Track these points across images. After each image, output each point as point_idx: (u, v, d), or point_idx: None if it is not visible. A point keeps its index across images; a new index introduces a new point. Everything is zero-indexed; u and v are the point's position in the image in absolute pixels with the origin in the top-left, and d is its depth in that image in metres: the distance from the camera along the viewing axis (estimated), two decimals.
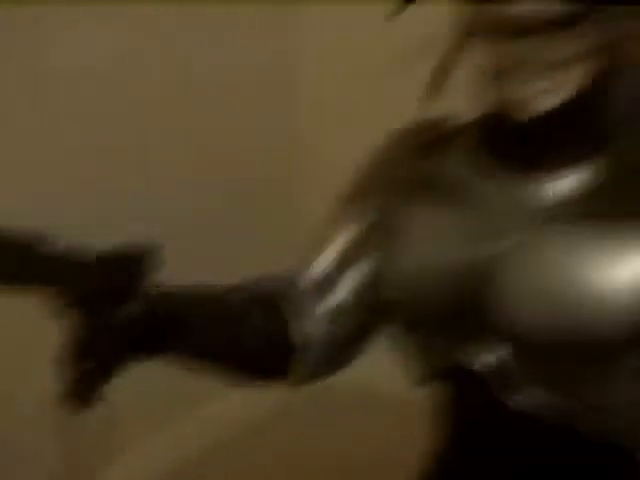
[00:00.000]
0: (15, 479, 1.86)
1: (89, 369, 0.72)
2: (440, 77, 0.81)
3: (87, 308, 0.72)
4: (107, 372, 0.74)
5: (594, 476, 0.80)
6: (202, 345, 0.85)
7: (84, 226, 1.51)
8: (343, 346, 0.89)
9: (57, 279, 0.70)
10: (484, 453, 0.85)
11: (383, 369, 1.67)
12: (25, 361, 1.75)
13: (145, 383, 1.78)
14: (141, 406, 2.08)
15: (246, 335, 0.86)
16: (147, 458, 2.26)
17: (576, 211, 0.74)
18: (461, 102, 0.81)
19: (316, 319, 0.88)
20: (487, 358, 0.78)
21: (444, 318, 0.80)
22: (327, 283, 0.89)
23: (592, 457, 0.79)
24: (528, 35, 0.70)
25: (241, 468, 2.27)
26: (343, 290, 0.88)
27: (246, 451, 2.33)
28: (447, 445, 0.90)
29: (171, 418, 2.34)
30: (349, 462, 2.17)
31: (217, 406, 2.42)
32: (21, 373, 1.77)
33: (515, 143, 0.78)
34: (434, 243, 0.82)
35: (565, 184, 0.75)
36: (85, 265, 0.71)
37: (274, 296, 0.90)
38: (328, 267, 0.89)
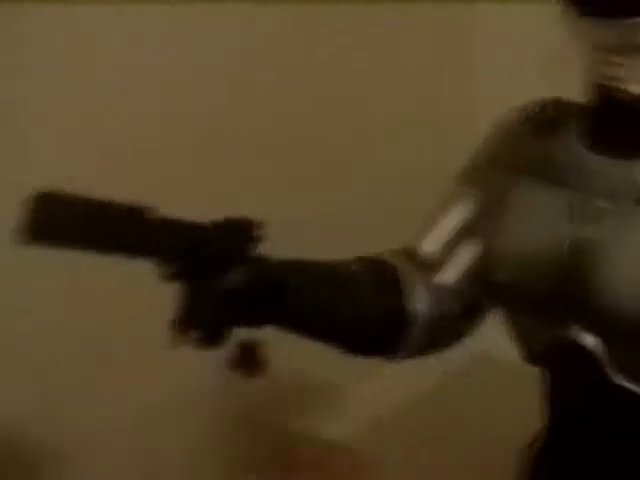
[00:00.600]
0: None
1: (197, 337, 0.71)
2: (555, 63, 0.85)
3: (194, 274, 0.70)
4: (214, 339, 0.72)
5: None
6: (311, 312, 0.82)
7: None
8: (449, 324, 0.89)
9: (164, 246, 0.68)
10: (584, 434, 0.86)
11: None
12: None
13: (307, 359, 1.80)
14: (300, 381, 2.12)
15: (358, 303, 0.84)
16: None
17: None
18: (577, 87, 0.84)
19: (425, 295, 0.87)
20: (587, 339, 0.79)
21: (545, 298, 0.81)
22: (437, 262, 0.89)
23: None
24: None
25: (395, 442, 2.28)
26: (452, 270, 0.89)
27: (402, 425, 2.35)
28: (549, 427, 0.91)
29: (329, 395, 2.37)
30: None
31: (373, 385, 2.43)
32: None
33: (622, 126, 0.78)
34: (538, 223, 0.83)
35: None
36: (192, 232, 0.70)
37: (388, 267, 0.88)
38: (440, 246, 0.90)
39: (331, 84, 2.18)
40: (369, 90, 2.29)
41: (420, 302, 0.86)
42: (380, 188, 2.29)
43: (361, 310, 0.84)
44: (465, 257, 0.89)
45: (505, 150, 0.90)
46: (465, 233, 0.90)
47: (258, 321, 0.77)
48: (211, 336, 0.71)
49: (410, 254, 0.91)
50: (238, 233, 0.72)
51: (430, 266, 0.89)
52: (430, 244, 0.90)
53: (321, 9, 2.12)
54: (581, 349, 0.79)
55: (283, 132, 2.01)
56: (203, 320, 0.71)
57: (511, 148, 0.90)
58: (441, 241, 0.90)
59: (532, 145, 0.87)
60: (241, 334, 0.76)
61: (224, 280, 0.70)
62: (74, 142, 1.61)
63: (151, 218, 0.67)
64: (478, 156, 0.94)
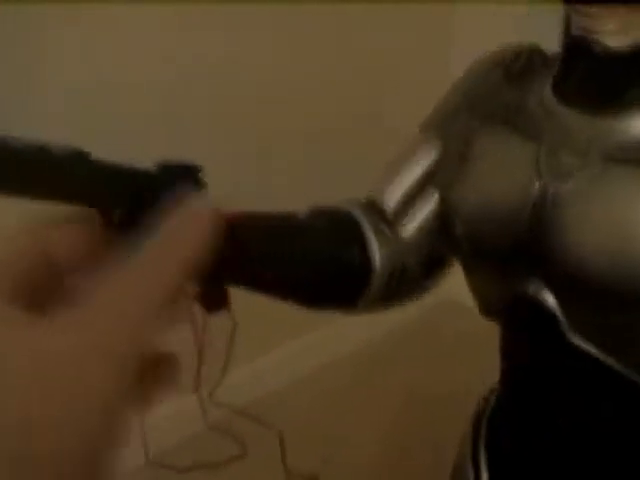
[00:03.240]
0: None
1: None
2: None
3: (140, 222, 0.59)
4: None
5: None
6: (263, 264, 0.79)
7: None
8: (408, 278, 0.88)
9: (107, 191, 0.60)
10: (537, 393, 0.87)
11: None
12: None
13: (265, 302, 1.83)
14: (259, 324, 2.15)
15: (316, 253, 0.82)
16: (261, 374, 2.39)
17: None
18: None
19: (385, 248, 0.85)
20: (546, 296, 0.77)
21: (505, 253, 0.79)
22: (397, 214, 0.87)
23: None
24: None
25: (349, 388, 2.41)
26: (412, 223, 0.87)
27: (355, 372, 2.48)
28: (503, 382, 0.93)
29: (287, 336, 2.46)
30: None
31: (329, 328, 2.53)
32: None
33: (596, 80, 0.75)
34: (501, 174, 0.80)
35: None
36: (136, 177, 0.63)
37: (346, 216, 0.86)
38: (400, 198, 0.87)
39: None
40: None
41: (380, 254, 0.84)
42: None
43: (319, 261, 0.82)
44: (426, 209, 0.87)
45: (473, 97, 0.87)
46: (427, 184, 0.87)
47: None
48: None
49: (368, 205, 0.88)
50: (183, 177, 0.67)
51: (389, 218, 0.87)
52: (389, 195, 0.88)
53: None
54: (539, 306, 0.78)
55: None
56: None
57: (479, 94, 0.86)
58: (401, 192, 0.87)
59: (502, 93, 0.84)
60: None
61: None
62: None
63: (94, 161, 0.60)
64: (444, 102, 0.90)
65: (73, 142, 0.57)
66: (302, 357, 2.47)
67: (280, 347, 2.43)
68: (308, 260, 0.81)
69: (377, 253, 0.84)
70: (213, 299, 0.76)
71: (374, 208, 0.88)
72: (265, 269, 0.79)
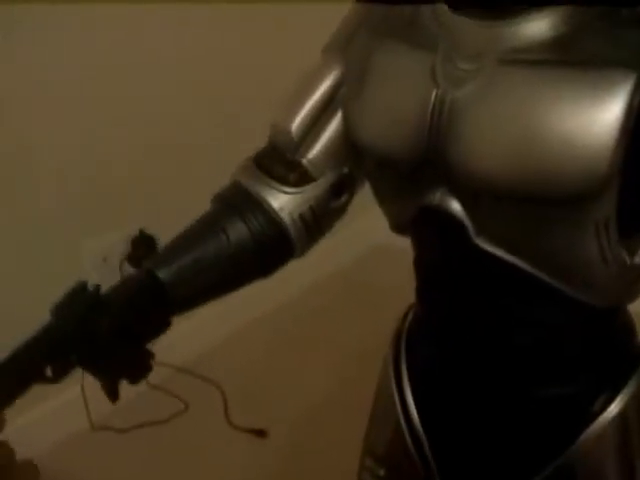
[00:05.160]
0: None
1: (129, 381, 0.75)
2: None
3: (78, 354, 0.72)
4: (140, 373, 0.76)
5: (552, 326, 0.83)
6: (199, 286, 0.86)
7: None
8: (323, 210, 0.89)
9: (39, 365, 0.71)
10: (450, 301, 0.87)
11: None
12: None
13: None
14: None
15: (225, 247, 0.85)
16: (198, 331, 2.30)
17: (544, 55, 0.72)
18: None
19: (288, 198, 0.87)
20: (451, 203, 0.78)
21: (408, 163, 0.80)
22: (303, 136, 0.88)
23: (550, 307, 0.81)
24: None
25: (278, 342, 2.41)
26: (319, 142, 0.88)
27: (284, 325, 2.47)
28: (418, 297, 0.94)
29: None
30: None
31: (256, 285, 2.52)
32: None
33: None
34: (398, 86, 0.80)
35: (535, 27, 0.73)
36: (45, 338, 0.72)
37: (236, 194, 0.89)
38: (306, 118, 0.88)
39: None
40: None
41: (282, 211, 0.87)
42: None
43: (235, 252, 0.86)
44: (330, 129, 0.88)
45: (370, 14, 0.87)
46: (330, 104, 0.87)
47: (159, 328, 0.82)
48: (135, 374, 0.76)
49: (258, 159, 0.91)
50: (78, 299, 0.73)
51: (295, 142, 0.88)
52: (294, 117, 0.88)
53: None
54: (446, 214, 0.79)
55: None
56: (118, 377, 0.75)
57: (375, 11, 0.86)
58: (305, 113, 0.88)
59: (398, 8, 0.84)
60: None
61: (98, 338, 0.72)
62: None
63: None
64: (345, 24, 0.90)
65: None
66: (238, 311, 2.48)
67: (214, 303, 2.43)
68: (226, 258, 0.86)
69: (279, 212, 0.87)
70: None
71: (267, 156, 0.90)
72: (205, 288, 0.87)
